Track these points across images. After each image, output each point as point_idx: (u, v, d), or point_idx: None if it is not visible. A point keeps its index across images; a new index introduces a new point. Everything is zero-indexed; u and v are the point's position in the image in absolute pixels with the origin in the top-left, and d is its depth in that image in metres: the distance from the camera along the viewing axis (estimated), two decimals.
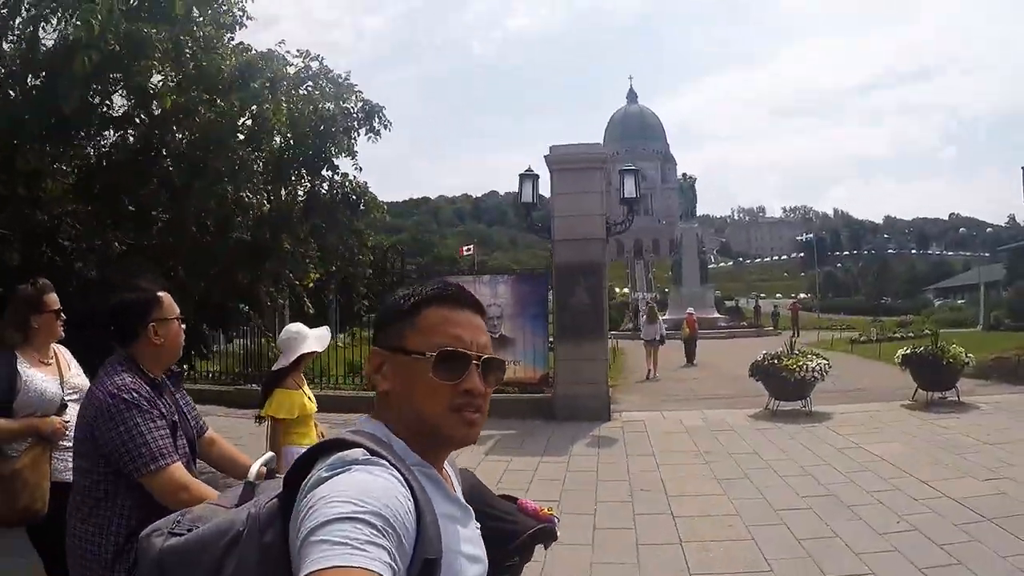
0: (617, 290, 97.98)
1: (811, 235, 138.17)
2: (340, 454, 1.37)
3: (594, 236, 15.77)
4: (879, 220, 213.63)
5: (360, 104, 11.70)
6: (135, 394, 2.90)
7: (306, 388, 5.82)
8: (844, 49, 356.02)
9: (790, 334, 44.40)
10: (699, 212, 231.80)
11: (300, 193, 11.97)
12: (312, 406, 5.79)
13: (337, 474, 1.31)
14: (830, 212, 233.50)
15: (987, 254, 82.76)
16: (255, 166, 10.25)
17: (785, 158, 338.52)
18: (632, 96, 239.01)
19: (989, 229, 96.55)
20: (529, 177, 17.20)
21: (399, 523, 1.24)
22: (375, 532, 1.18)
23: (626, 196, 16.89)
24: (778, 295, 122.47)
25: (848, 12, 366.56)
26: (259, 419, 5.77)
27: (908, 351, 16.11)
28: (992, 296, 51.19)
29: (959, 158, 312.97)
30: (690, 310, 34.07)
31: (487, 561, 1.60)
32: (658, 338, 24.88)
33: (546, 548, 2.50)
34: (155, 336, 3.12)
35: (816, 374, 14.72)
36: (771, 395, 15.18)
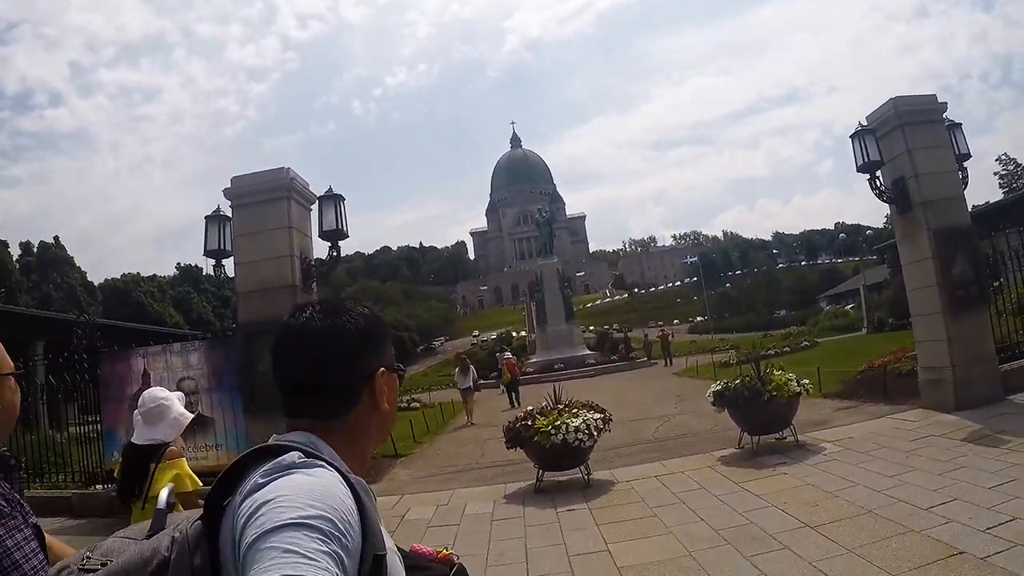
0: (515, 333, 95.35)
1: (695, 259, 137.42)
2: (276, 460, 1.32)
3: (283, 284, 12.47)
4: (768, 237, 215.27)
5: None
6: None
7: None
8: (715, 85, 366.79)
9: (662, 362, 42.51)
10: (592, 248, 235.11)
11: None
12: None
13: (276, 478, 1.26)
14: (719, 235, 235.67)
15: (874, 256, 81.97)
16: None
17: (670, 189, 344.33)
18: (516, 141, 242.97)
19: (868, 231, 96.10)
20: (216, 219, 13.05)
21: (344, 522, 1.21)
22: (323, 537, 1.14)
23: (326, 230, 12.96)
24: (675, 321, 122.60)
25: (715, 52, 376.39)
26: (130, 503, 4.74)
27: (719, 386, 12.03)
28: (876, 297, 50.13)
29: (836, 170, 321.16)
30: (508, 355, 35.05)
31: None
32: (471, 386, 25.25)
33: None
34: None
35: (581, 436, 10.59)
36: (537, 466, 11.25)
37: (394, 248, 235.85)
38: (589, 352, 52.43)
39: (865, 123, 13.12)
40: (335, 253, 13.05)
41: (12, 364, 2.30)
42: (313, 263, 13.00)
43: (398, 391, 1.68)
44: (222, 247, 12.88)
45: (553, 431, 10.52)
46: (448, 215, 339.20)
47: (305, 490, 1.22)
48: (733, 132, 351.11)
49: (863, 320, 46.52)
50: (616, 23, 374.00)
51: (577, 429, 10.45)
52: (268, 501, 1.19)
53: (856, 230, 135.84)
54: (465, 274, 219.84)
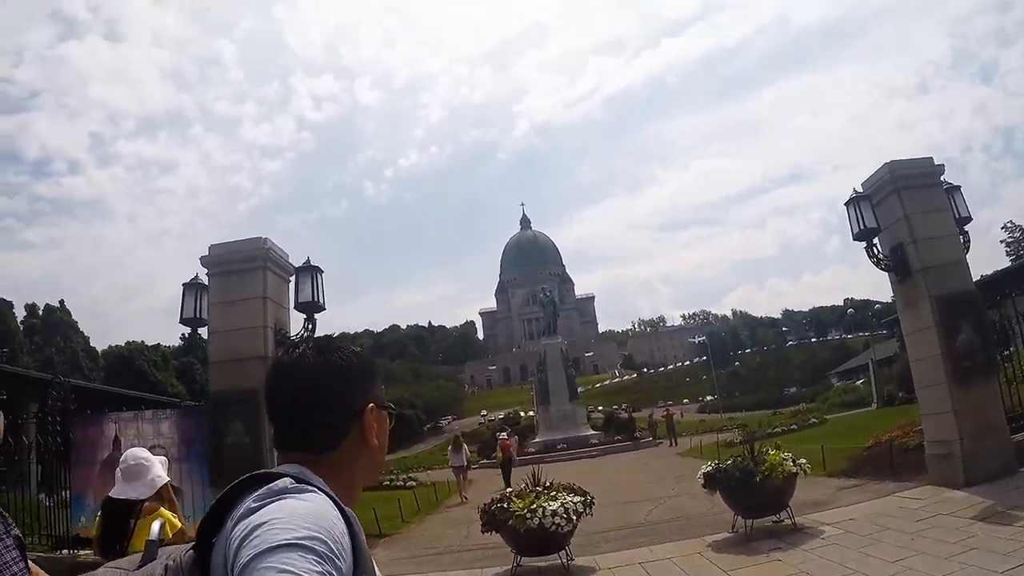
0: (522, 413, 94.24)
1: (703, 338, 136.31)
2: (268, 486, 1.33)
3: (253, 355, 11.94)
4: (777, 315, 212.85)
5: None
6: None
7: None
8: (720, 167, 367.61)
9: (668, 442, 43.43)
10: (601, 328, 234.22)
11: None
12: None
13: (269, 503, 1.27)
14: (728, 314, 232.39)
15: (884, 332, 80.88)
16: None
17: (679, 269, 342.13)
18: (525, 222, 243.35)
19: (877, 306, 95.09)
20: (193, 287, 12.66)
21: (337, 544, 1.21)
22: (318, 559, 1.15)
23: (302, 301, 12.60)
24: (685, 400, 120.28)
25: (720, 135, 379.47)
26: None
27: (710, 467, 11.19)
28: (886, 371, 48.60)
29: (843, 247, 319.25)
30: (503, 435, 34.69)
31: None
32: (464, 464, 26.07)
33: None
34: None
35: (559, 521, 9.77)
36: (514, 551, 10.49)
37: (403, 327, 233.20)
38: (593, 432, 51.37)
39: (860, 190, 12.58)
40: (310, 325, 12.52)
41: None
42: (289, 336, 12.44)
43: (387, 432, 1.67)
44: (198, 315, 12.52)
45: (529, 515, 9.76)
46: (457, 295, 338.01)
47: (299, 513, 1.22)
48: (740, 213, 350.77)
49: (873, 395, 45.35)
50: (623, 108, 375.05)
51: (554, 513, 9.67)
52: (262, 524, 1.19)
53: (865, 305, 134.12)
54: (474, 354, 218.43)
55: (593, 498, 10.72)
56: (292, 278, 12.80)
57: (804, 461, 10.89)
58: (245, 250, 12.40)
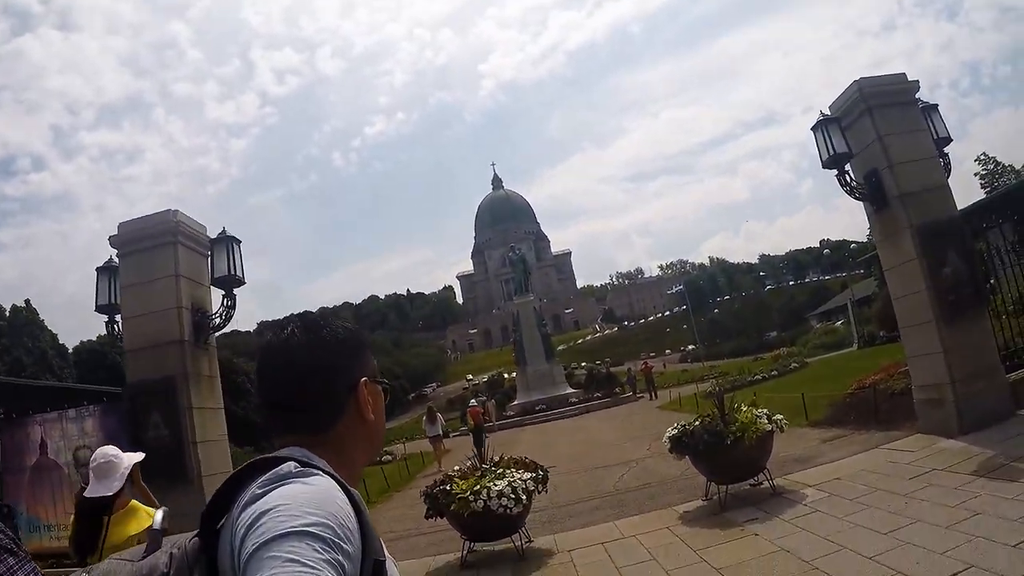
0: (506, 375, 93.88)
1: (681, 287, 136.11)
2: (273, 470, 1.30)
3: (168, 339, 10.77)
4: (754, 260, 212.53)
5: None
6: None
7: None
8: (690, 115, 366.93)
9: (647, 396, 42.67)
10: (579, 284, 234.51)
11: None
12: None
13: (274, 488, 1.24)
14: (706, 262, 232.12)
15: (861, 271, 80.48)
16: None
17: (654, 220, 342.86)
18: (497, 182, 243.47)
19: (853, 245, 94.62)
20: (107, 271, 11.41)
21: (344, 528, 1.19)
22: (325, 546, 1.13)
23: (217, 277, 11.36)
24: (667, 351, 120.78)
25: (687, 82, 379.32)
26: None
27: (676, 430, 10.07)
28: (866, 311, 48.56)
29: (816, 189, 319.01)
30: (473, 402, 34.70)
31: None
32: (440, 433, 26.31)
33: None
34: None
35: (506, 502, 8.67)
36: (463, 537, 9.41)
37: (382, 296, 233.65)
38: (572, 391, 50.40)
39: (828, 112, 11.35)
40: (228, 302, 11.32)
41: None
42: (209, 315, 11.29)
43: (383, 406, 1.63)
44: (113, 301, 11.28)
45: (472, 497, 8.67)
46: (434, 260, 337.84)
47: (304, 498, 1.19)
48: (712, 159, 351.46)
49: (853, 336, 45.23)
50: (586, 61, 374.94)
51: (501, 494, 8.57)
52: (268, 510, 1.17)
53: (841, 245, 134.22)
54: (454, 318, 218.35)
55: (547, 472, 9.70)
56: (210, 252, 11.56)
57: (781, 417, 9.66)
58: (153, 225, 11.20)
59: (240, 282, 11.39)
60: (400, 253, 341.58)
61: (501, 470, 9.27)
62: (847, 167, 11.14)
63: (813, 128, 11.32)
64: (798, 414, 14.90)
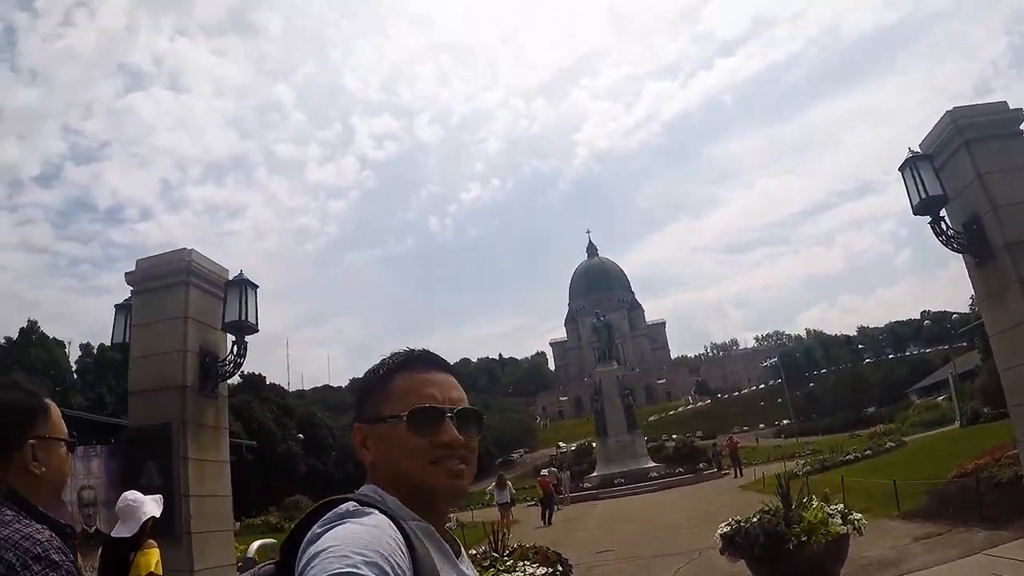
0: (594, 444, 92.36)
1: (776, 360, 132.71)
2: (334, 509, 1.40)
3: (170, 384, 10.07)
4: (853, 332, 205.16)
5: None
6: (64, 556, 1.92)
7: None
8: (784, 185, 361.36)
9: (731, 473, 41.37)
10: (673, 354, 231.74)
11: None
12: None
13: (331, 527, 1.33)
14: (802, 333, 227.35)
15: (964, 343, 76.97)
16: None
17: (749, 291, 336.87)
18: (592, 250, 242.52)
19: (955, 316, 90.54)
20: (125, 309, 11.01)
21: (392, 565, 1.25)
22: None
23: (228, 321, 10.63)
24: (761, 425, 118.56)
25: (780, 152, 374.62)
26: None
27: (729, 527, 8.51)
28: (969, 386, 46.10)
29: (914, 259, 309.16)
30: (544, 472, 35.80)
31: None
32: (508, 501, 27.81)
33: None
34: (32, 460, 2.12)
35: None
36: None
37: (474, 360, 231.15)
38: (653, 465, 48.11)
39: (917, 149, 9.68)
40: (238, 349, 10.60)
41: (66, 432, 2.29)
42: (220, 361, 10.55)
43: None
44: (127, 340, 10.98)
45: None
46: (528, 327, 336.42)
47: (353, 539, 1.26)
48: (807, 230, 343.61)
49: (956, 412, 42.15)
50: (680, 131, 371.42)
51: None
52: (320, 552, 1.24)
53: (943, 317, 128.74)
54: (545, 385, 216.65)
55: (569, 568, 8.18)
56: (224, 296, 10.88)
57: (859, 517, 8.06)
58: (165, 263, 10.61)
59: (252, 329, 10.70)
60: (493, 318, 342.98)
61: (512, 562, 7.82)
62: (942, 213, 9.36)
63: (901, 168, 9.58)
64: (888, 502, 13.38)
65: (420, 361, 1.67)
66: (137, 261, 10.93)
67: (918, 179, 9.31)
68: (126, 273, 10.83)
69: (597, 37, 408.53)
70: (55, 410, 2.21)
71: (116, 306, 11.19)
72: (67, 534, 2.07)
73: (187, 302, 10.37)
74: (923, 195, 9.28)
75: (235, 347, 10.61)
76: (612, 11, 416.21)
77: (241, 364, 10.72)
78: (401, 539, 1.31)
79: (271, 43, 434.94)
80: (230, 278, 10.85)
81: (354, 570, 1.17)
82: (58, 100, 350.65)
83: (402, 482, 1.55)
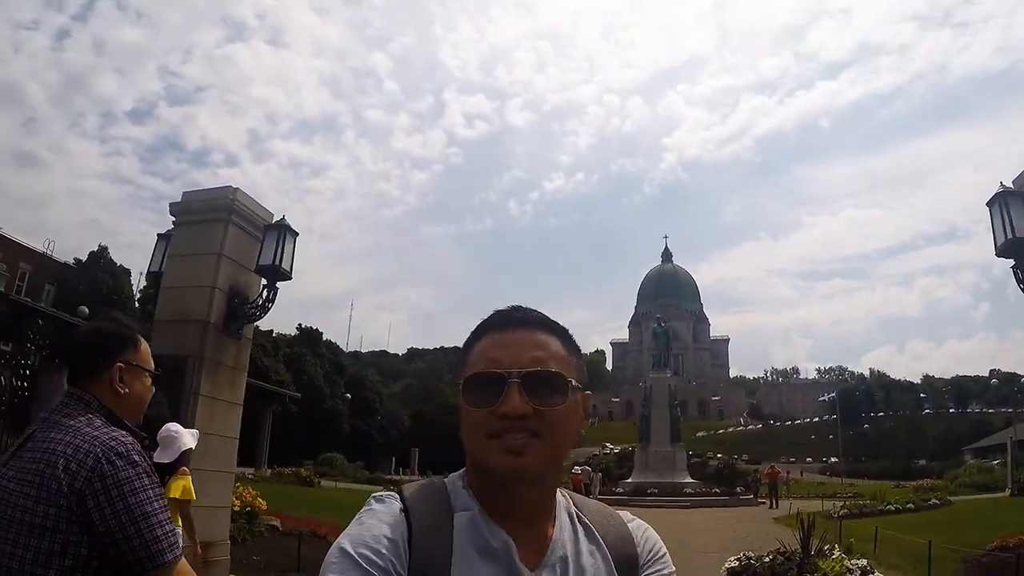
0: None
1: (833, 394, 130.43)
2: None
3: (195, 318, 10.10)
4: (917, 379, 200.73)
5: None
6: (142, 458, 2.28)
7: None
8: (870, 219, 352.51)
9: (768, 503, 40.70)
10: (732, 373, 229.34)
11: None
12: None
13: (358, 515, 1.38)
14: (866, 372, 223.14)
15: None
16: None
17: (819, 321, 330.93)
18: (667, 255, 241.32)
19: None
20: (165, 239, 11.25)
21: (376, 553, 1.27)
22: (344, 568, 1.25)
23: (261, 264, 10.49)
24: (808, 459, 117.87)
25: (872, 184, 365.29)
26: None
27: (736, 562, 8.04)
28: None
29: (993, 314, 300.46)
30: (577, 469, 35.65)
31: None
32: None
33: None
34: (118, 381, 2.51)
35: None
36: None
37: None
38: (690, 480, 47.44)
39: (1011, 185, 8.79)
40: (268, 293, 10.48)
41: (153, 365, 2.69)
42: (248, 303, 10.54)
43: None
44: (162, 269, 11.18)
45: None
46: (592, 323, 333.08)
47: (352, 532, 1.30)
48: (887, 268, 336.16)
49: (1008, 479, 40.49)
50: (772, 149, 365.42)
51: None
52: (339, 538, 1.31)
53: (1012, 378, 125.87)
54: (601, 384, 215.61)
55: None
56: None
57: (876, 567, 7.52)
58: (209, 200, 10.68)
59: (285, 275, 10.53)
60: (559, 309, 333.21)
61: None
62: None
63: (989, 203, 8.80)
64: (920, 563, 12.60)
65: (499, 321, 1.51)
66: (183, 193, 11.00)
67: (1007, 217, 8.45)
68: (171, 204, 10.85)
69: (699, 43, 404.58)
70: (144, 345, 2.61)
71: (159, 235, 11.36)
72: (145, 445, 2.40)
73: (224, 239, 10.40)
74: (1010, 235, 8.44)
75: (265, 291, 10.53)
76: (717, 18, 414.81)
77: (268, 308, 10.61)
78: (404, 522, 1.32)
79: (374, 11, 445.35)
80: (272, 222, 10.75)
81: (332, 561, 1.25)
82: (160, 42, 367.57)
83: (471, 461, 1.46)
